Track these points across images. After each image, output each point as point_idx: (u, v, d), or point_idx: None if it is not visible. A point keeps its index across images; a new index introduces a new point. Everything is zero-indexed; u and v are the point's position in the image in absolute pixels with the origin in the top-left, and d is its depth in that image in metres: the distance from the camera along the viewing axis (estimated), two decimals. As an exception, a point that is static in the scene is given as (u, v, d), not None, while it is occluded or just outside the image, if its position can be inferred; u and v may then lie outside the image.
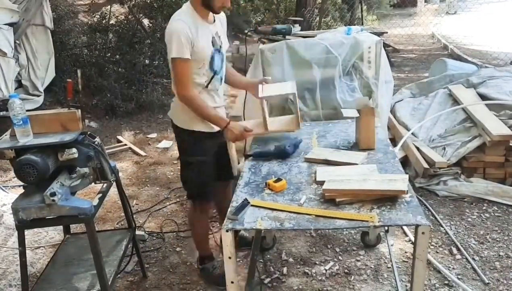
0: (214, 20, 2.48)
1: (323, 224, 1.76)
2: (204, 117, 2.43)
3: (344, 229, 3.26)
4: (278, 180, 2.05)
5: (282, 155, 2.35)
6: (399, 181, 1.91)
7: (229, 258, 1.79)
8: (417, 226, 1.67)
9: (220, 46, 2.49)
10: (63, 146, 2.12)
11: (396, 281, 2.67)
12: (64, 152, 2.12)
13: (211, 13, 2.43)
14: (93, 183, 2.33)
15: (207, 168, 2.56)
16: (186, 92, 2.36)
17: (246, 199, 1.90)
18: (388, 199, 1.86)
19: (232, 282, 1.84)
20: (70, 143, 2.11)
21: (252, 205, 1.87)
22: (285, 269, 2.88)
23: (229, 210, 1.87)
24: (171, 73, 2.41)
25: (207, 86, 2.46)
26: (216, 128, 2.49)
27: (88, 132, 2.30)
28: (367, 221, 1.73)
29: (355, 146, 2.45)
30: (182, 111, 2.46)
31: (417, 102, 4.72)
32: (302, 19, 7.55)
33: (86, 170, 2.23)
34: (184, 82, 2.35)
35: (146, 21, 7.01)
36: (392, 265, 2.80)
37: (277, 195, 1.99)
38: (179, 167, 2.75)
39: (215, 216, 3.34)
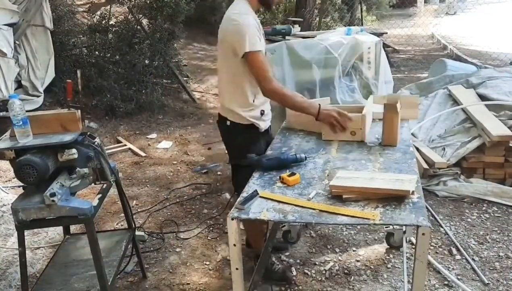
0: None
1: (324, 219, 1.79)
2: (296, 108, 2.36)
3: (345, 229, 3.27)
4: (292, 174, 2.07)
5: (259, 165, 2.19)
6: (406, 182, 1.92)
7: (234, 245, 1.85)
8: (417, 226, 1.68)
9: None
10: (63, 146, 2.12)
11: (404, 281, 2.67)
12: (64, 152, 2.12)
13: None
14: (93, 184, 2.32)
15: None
16: (274, 85, 2.28)
17: (256, 190, 1.94)
18: (394, 199, 1.87)
19: (237, 269, 1.89)
20: (70, 143, 2.11)
21: (260, 196, 1.92)
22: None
23: (238, 199, 1.92)
24: (250, 68, 2.28)
25: None
26: (267, 126, 2.51)
27: (88, 133, 2.30)
28: (368, 218, 1.74)
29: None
30: (235, 101, 2.39)
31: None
32: (301, 19, 7.56)
33: (86, 170, 2.23)
34: (269, 75, 2.26)
35: (145, 22, 7.00)
36: (403, 262, 2.81)
37: (287, 189, 2.02)
38: (231, 171, 2.65)
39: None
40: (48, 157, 2.07)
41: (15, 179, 3.98)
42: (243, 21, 2.23)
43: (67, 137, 2.11)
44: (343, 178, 1.99)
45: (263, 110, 2.48)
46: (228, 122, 2.45)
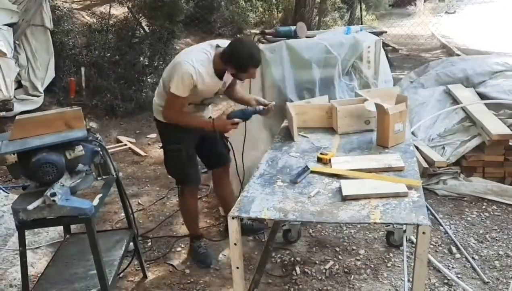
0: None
1: (325, 218, 1.79)
2: (191, 127, 2.70)
3: (345, 228, 3.27)
4: (325, 153, 2.34)
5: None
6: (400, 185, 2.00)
7: (235, 244, 1.87)
8: (418, 225, 1.68)
9: (219, 92, 2.76)
10: (70, 144, 2.12)
11: (404, 279, 2.68)
12: (73, 149, 2.12)
13: (226, 74, 2.61)
14: (95, 181, 2.33)
15: (183, 155, 2.77)
16: (173, 115, 2.65)
17: (306, 165, 2.19)
18: (395, 197, 1.89)
19: (237, 268, 1.91)
20: (75, 140, 2.12)
21: (312, 171, 2.13)
22: (284, 269, 2.88)
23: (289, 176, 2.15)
24: (163, 92, 2.70)
25: (195, 105, 2.74)
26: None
27: (88, 127, 2.30)
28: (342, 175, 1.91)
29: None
30: (159, 108, 2.75)
31: (412, 92, 4.71)
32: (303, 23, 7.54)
33: (87, 167, 2.23)
34: (175, 110, 2.62)
35: (145, 22, 7.01)
36: (403, 261, 2.81)
37: (288, 188, 2.04)
38: None
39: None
40: (60, 155, 2.08)
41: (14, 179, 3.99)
42: (183, 67, 2.50)
43: (79, 134, 2.13)
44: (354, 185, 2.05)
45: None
46: (158, 118, 2.81)
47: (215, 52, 2.57)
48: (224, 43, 2.62)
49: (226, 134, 2.93)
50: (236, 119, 2.64)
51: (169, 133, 2.80)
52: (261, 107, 2.70)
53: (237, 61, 2.51)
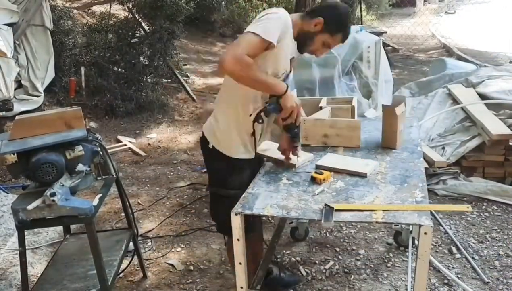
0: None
1: (327, 216, 1.79)
2: (257, 81, 1.93)
3: (345, 227, 3.27)
4: (321, 173, 2.08)
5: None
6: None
7: (238, 240, 1.88)
8: (419, 226, 1.68)
9: (288, 74, 2.15)
10: (70, 144, 2.12)
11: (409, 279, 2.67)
12: (72, 149, 2.12)
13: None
14: (94, 181, 2.33)
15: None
16: (239, 56, 1.83)
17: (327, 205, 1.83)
18: (398, 197, 1.88)
19: (240, 263, 1.92)
20: (75, 140, 2.12)
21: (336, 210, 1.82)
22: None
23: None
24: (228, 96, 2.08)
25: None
26: (253, 154, 2.18)
27: (88, 127, 2.30)
28: (373, 210, 1.79)
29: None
30: (224, 132, 2.13)
31: (416, 102, 4.72)
32: None
33: (86, 167, 2.23)
34: (246, 49, 1.85)
35: (145, 22, 7.00)
36: (408, 261, 2.80)
37: (292, 186, 2.05)
38: (210, 200, 2.39)
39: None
40: (60, 155, 2.08)
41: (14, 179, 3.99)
42: (277, 12, 1.98)
43: (79, 134, 2.12)
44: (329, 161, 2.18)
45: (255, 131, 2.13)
46: (211, 146, 2.18)
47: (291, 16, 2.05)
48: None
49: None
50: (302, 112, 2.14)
51: (231, 173, 2.15)
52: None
53: (336, 16, 2.04)
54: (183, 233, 3.36)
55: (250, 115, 2.08)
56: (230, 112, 2.13)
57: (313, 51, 2.13)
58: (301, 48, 2.12)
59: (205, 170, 4.44)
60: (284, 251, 3.06)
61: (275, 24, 1.92)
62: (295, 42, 2.08)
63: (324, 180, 2.05)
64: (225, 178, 2.17)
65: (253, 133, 2.12)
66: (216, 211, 2.31)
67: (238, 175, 2.15)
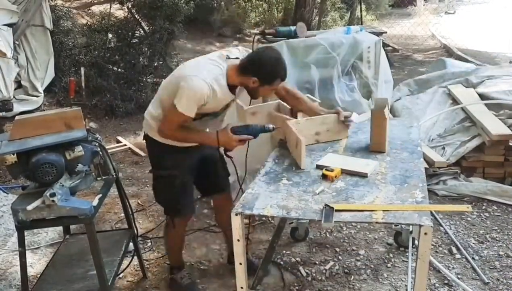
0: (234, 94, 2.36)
1: (327, 217, 1.79)
2: (192, 141, 2.36)
3: (345, 228, 3.27)
4: (331, 170, 2.11)
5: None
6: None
7: (238, 240, 1.88)
8: (420, 226, 1.68)
9: (229, 105, 2.42)
10: (70, 144, 2.12)
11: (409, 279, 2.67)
12: (72, 150, 2.12)
13: (239, 88, 2.34)
14: (94, 182, 2.33)
15: (178, 183, 2.41)
16: (170, 132, 2.27)
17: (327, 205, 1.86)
18: (398, 197, 1.88)
19: (240, 264, 1.92)
20: (75, 141, 2.12)
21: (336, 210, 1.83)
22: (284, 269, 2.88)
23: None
24: (159, 107, 2.33)
25: (200, 118, 2.33)
26: (190, 144, 2.39)
27: (88, 127, 2.30)
28: (374, 210, 1.78)
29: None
30: (155, 122, 2.35)
31: (414, 98, 4.71)
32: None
33: (86, 168, 2.23)
34: (173, 127, 2.24)
35: (144, 22, 7.00)
36: (408, 261, 2.80)
37: (292, 186, 2.05)
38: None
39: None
40: (60, 156, 2.08)
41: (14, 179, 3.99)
42: (195, 83, 2.15)
43: (79, 134, 2.12)
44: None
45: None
46: (147, 134, 2.46)
47: (227, 64, 2.26)
48: (232, 53, 2.33)
49: (229, 153, 2.43)
50: (244, 136, 2.30)
51: (163, 155, 2.42)
52: (270, 126, 2.34)
53: (265, 70, 2.21)
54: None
55: None
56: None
57: (264, 97, 2.52)
58: (252, 96, 2.38)
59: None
60: (284, 252, 3.06)
61: (193, 101, 2.16)
62: (236, 90, 2.32)
63: (335, 176, 2.07)
64: (159, 160, 2.45)
65: None
66: (158, 193, 2.57)
67: (170, 157, 2.39)
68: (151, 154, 2.53)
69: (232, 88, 2.27)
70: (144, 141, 2.52)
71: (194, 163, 2.49)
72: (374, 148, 2.37)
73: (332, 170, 2.10)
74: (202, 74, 2.17)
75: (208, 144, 2.37)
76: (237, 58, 2.29)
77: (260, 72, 2.20)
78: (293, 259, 2.97)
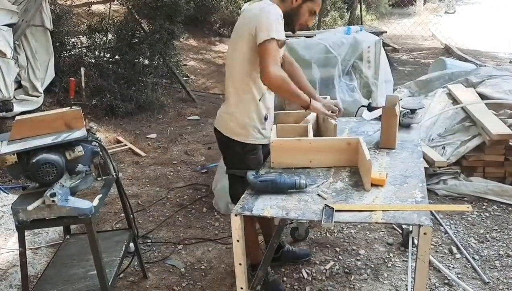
0: None
1: (327, 217, 1.79)
2: (293, 96, 2.29)
3: (345, 228, 3.27)
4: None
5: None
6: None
7: (237, 241, 1.88)
8: (419, 226, 1.68)
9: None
10: (70, 144, 2.12)
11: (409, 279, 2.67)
12: (72, 150, 2.12)
13: None
14: (94, 182, 2.33)
15: None
16: (277, 72, 2.16)
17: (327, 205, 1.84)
18: (398, 198, 1.89)
19: (240, 264, 1.92)
20: (74, 141, 2.12)
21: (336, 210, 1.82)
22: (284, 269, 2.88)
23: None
24: (263, 54, 2.17)
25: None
26: (267, 140, 2.40)
27: (88, 127, 2.30)
28: (373, 211, 1.78)
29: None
30: (234, 121, 2.36)
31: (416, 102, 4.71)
32: None
33: (86, 168, 2.23)
34: (276, 61, 2.19)
35: (144, 22, 7.00)
36: (408, 261, 2.80)
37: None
38: (228, 182, 2.57)
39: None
40: (60, 156, 2.08)
41: (14, 179, 3.99)
42: (271, 8, 2.19)
43: (79, 134, 2.12)
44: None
45: (267, 115, 2.42)
46: (226, 136, 2.41)
47: None
48: None
49: None
50: (331, 110, 2.39)
51: (242, 153, 2.38)
52: (303, 181, 2.02)
53: None
54: (182, 234, 3.36)
55: (260, 99, 2.34)
56: (247, 99, 2.34)
57: (302, 24, 2.35)
58: (291, 27, 2.34)
59: (205, 170, 4.45)
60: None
61: (280, 23, 2.16)
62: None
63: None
64: (242, 160, 2.38)
65: (265, 118, 2.40)
66: (235, 191, 2.41)
67: (255, 156, 2.39)
68: (231, 153, 2.45)
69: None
70: (218, 140, 2.48)
71: (264, 156, 2.46)
72: (384, 144, 2.39)
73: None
74: (267, 3, 2.22)
75: (301, 103, 2.32)
76: None
77: None
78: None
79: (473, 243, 3.08)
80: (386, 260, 2.91)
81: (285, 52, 2.55)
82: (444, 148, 3.90)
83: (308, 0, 2.27)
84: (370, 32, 4.53)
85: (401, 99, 4.78)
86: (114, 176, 2.39)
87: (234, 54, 2.33)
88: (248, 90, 2.32)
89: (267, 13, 2.16)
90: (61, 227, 2.96)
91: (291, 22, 2.32)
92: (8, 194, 3.83)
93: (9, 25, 5.07)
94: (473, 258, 2.90)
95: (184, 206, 3.78)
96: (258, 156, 2.41)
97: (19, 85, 5.40)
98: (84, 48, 6.59)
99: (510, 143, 3.67)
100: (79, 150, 2.14)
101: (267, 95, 2.39)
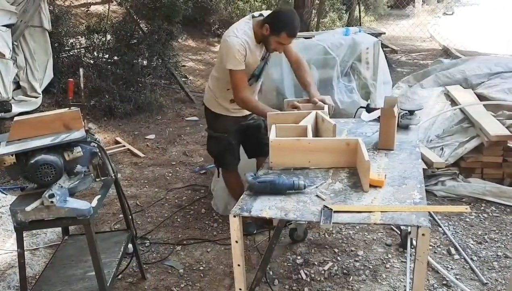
0: None
1: (326, 218, 1.79)
2: (259, 114, 2.81)
3: (344, 229, 3.27)
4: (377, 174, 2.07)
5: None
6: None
7: (236, 242, 1.88)
8: (417, 227, 1.68)
9: (265, 57, 2.89)
10: (68, 145, 2.11)
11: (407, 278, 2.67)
12: (71, 151, 2.12)
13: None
14: (93, 183, 2.33)
15: (225, 144, 3.05)
16: (243, 95, 2.74)
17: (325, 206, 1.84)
18: (396, 199, 1.89)
19: (238, 265, 1.92)
20: (73, 142, 2.11)
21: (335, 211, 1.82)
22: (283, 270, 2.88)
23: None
24: (230, 80, 2.75)
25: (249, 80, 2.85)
26: (238, 114, 3.01)
27: (86, 128, 2.30)
28: (372, 212, 1.78)
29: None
30: (210, 94, 3.02)
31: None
32: None
33: (85, 169, 2.23)
34: (240, 87, 2.72)
35: (143, 23, 7.00)
36: (407, 262, 2.80)
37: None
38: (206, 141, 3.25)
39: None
40: (59, 156, 2.07)
41: (13, 180, 3.99)
42: (231, 41, 2.64)
43: (78, 134, 2.12)
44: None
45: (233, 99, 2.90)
46: (205, 104, 3.13)
47: (252, 21, 2.73)
48: (264, 14, 2.75)
49: None
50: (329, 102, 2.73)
51: (216, 121, 3.05)
52: (301, 182, 2.02)
53: (274, 21, 2.61)
54: (180, 235, 3.36)
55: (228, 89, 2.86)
56: (221, 87, 2.96)
57: (274, 50, 2.76)
58: (267, 48, 2.78)
59: (203, 171, 4.45)
60: (283, 253, 3.06)
61: (237, 56, 2.64)
62: (262, 44, 2.76)
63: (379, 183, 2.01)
64: (212, 124, 3.11)
65: (231, 101, 2.92)
66: (210, 147, 3.22)
67: (221, 123, 3.04)
68: (207, 118, 3.14)
69: (260, 40, 2.73)
70: (204, 111, 3.16)
71: (240, 129, 3.08)
72: (382, 145, 2.39)
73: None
74: (233, 32, 2.67)
75: (264, 116, 2.67)
76: (261, 15, 2.73)
77: (272, 20, 2.63)
78: (291, 260, 2.97)
79: (472, 244, 3.08)
80: (385, 261, 2.92)
81: (293, 51, 2.96)
82: (442, 149, 3.91)
83: (273, 34, 2.64)
84: (368, 33, 4.53)
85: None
86: (113, 177, 2.38)
87: (218, 64, 2.90)
88: (222, 88, 2.92)
89: (227, 48, 2.66)
90: (60, 228, 2.95)
91: (266, 45, 2.76)
92: (6, 194, 3.82)
93: (7, 26, 5.07)
94: (471, 259, 2.91)
95: (182, 206, 3.78)
96: (224, 124, 3.02)
97: (17, 86, 5.40)
98: (82, 49, 6.58)
99: (508, 145, 3.68)
100: (78, 151, 2.13)
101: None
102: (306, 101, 2.79)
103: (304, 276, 2.81)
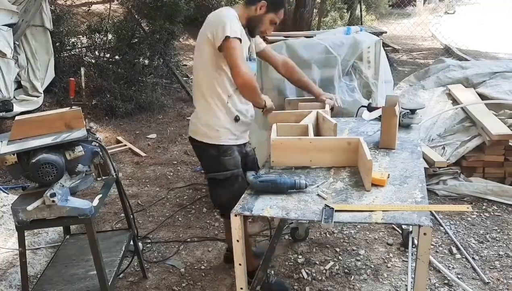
0: None
1: (327, 217, 1.78)
2: (256, 99, 2.36)
3: (345, 228, 3.27)
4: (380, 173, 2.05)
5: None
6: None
7: (237, 241, 1.87)
8: (419, 226, 1.68)
9: (249, 57, 2.48)
10: (70, 144, 2.12)
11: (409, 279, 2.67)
12: (72, 150, 2.12)
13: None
14: (94, 182, 2.33)
15: (241, 180, 2.43)
16: (245, 70, 2.20)
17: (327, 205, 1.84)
18: (398, 198, 1.88)
19: (240, 264, 1.91)
20: (74, 141, 2.12)
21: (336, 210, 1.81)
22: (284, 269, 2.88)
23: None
24: (227, 53, 2.23)
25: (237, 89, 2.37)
26: (241, 139, 2.51)
27: (88, 127, 2.30)
28: (373, 211, 1.77)
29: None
30: (205, 125, 2.41)
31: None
32: None
33: (86, 168, 2.23)
34: (241, 59, 2.21)
35: (144, 22, 7.01)
36: (408, 261, 2.80)
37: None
38: (208, 186, 2.63)
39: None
40: (60, 156, 2.08)
41: (14, 179, 3.99)
42: (226, 12, 2.31)
43: (79, 134, 2.12)
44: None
45: (238, 116, 2.43)
46: (199, 140, 2.46)
47: (235, 8, 2.40)
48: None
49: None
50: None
51: (219, 156, 2.41)
52: (303, 181, 2.01)
53: None
54: (182, 235, 3.36)
55: (228, 102, 2.38)
56: (214, 102, 2.38)
57: (263, 32, 2.46)
58: (252, 32, 2.45)
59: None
60: (284, 252, 3.06)
61: (233, 22, 2.24)
62: (245, 30, 2.39)
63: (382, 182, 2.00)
64: (219, 162, 2.42)
65: (236, 119, 2.42)
66: (216, 195, 2.53)
67: (230, 157, 2.43)
68: (206, 158, 2.48)
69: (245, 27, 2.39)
70: (194, 147, 2.52)
71: (243, 158, 2.55)
72: (384, 145, 2.39)
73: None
74: (225, 8, 2.38)
75: (258, 104, 2.40)
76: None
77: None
78: (293, 260, 2.97)
79: (473, 243, 3.08)
80: (386, 260, 2.92)
81: (275, 54, 2.73)
82: (444, 148, 3.90)
83: (271, 12, 2.38)
84: (370, 32, 4.52)
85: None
86: (114, 176, 2.39)
87: (198, 61, 2.41)
88: (214, 93, 2.37)
89: (220, 16, 2.28)
90: (61, 227, 2.96)
91: (252, 29, 2.43)
92: (8, 194, 3.83)
93: (9, 25, 5.08)
94: (473, 258, 2.90)
95: (184, 206, 3.78)
96: (234, 156, 2.44)
97: (19, 85, 5.40)
98: (84, 48, 6.59)
99: (510, 144, 3.67)
100: (79, 150, 2.14)
101: (235, 96, 2.40)
102: (311, 100, 2.78)
103: (305, 275, 2.81)
